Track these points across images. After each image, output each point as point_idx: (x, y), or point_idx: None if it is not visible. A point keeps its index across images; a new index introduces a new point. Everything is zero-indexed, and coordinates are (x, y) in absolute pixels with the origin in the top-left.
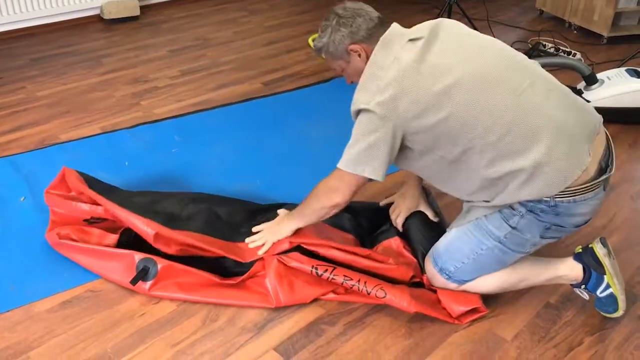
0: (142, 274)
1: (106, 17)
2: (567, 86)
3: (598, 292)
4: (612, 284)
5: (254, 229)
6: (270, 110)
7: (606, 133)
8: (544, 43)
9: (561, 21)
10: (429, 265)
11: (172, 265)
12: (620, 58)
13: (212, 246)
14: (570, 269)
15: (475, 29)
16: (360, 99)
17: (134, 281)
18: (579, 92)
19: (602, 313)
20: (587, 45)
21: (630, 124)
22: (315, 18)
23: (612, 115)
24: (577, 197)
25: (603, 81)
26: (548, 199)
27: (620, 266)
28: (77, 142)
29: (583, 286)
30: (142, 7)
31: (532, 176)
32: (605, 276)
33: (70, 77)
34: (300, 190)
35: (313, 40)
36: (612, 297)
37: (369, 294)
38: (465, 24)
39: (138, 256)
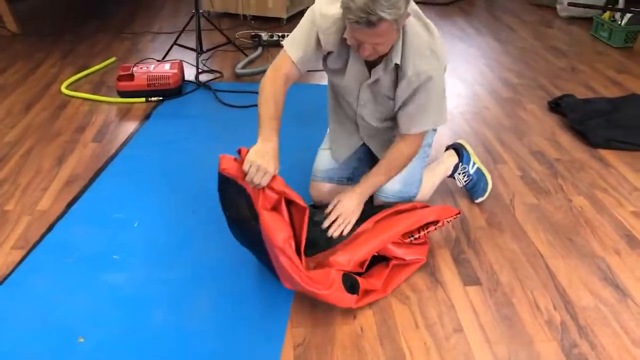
0: (352, 290)
1: None
2: None
3: (470, 168)
4: (475, 161)
5: (328, 212)
6: None
7: None
8: None
9: None
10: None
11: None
12: None
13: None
14: (449, 156)
15: None
16: (426, 66)
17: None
18: None
19: (476, 195)
20: None
21: None
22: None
23: None
24: None
25: None
26: None
27: None
28: None
29: (460, 164)
30: None
31: None
32: (469, 155)
33: None
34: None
35: (380, 12)
36: (479, 171)
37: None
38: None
39: (336, 272)
